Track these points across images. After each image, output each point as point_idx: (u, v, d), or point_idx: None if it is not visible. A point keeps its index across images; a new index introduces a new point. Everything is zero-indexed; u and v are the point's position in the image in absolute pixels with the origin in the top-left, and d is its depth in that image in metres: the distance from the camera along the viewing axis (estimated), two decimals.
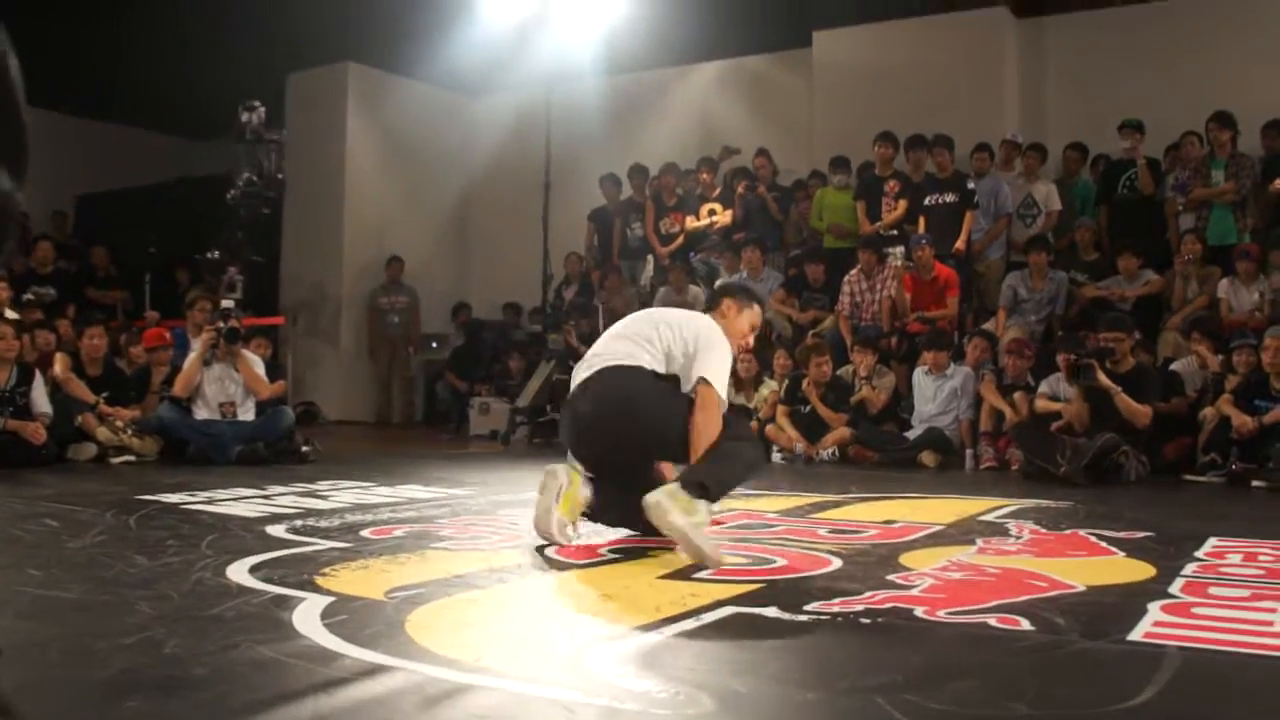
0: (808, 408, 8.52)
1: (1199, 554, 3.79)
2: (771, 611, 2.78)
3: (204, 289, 8.55)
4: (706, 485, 3.53)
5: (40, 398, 7.18)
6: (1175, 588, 3.16)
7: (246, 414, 7.69)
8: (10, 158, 0.52)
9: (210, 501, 5.05)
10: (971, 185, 9.63)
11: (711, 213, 10.84)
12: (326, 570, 3.27)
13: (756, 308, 4.38)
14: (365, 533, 4.12)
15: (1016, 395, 7.90)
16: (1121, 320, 7.50)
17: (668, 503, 3.42)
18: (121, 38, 11.87)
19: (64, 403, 7.42)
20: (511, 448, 9.81)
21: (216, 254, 8.34)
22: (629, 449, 3.91)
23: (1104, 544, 4.03)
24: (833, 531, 4.33)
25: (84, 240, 13.00)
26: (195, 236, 10.00)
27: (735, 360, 4.58)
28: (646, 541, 3.85)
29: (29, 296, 10.19)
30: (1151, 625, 2.67)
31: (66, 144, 13.69)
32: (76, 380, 7.74)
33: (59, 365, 7.75)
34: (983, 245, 9.83)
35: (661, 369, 3.94)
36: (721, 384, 3.87)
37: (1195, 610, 2.86)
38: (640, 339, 4.01)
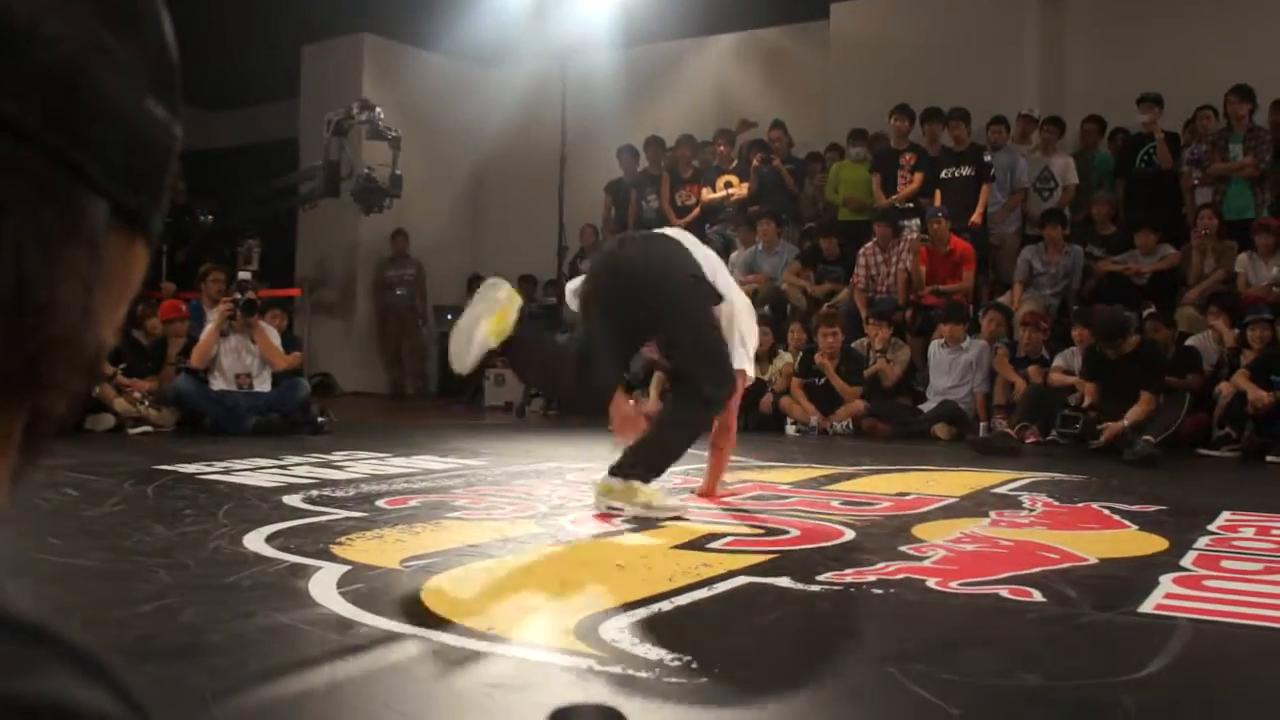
0: (822, 380, 8.52)
1: (1211, 527, 3.79)
2: (784, 582, 2.80)
3: (207, 261, 8.54)
4: (636, 466, 3.91)
5: None
6: (1187, 560, 3.16)
7: (263, 385, 7.72)
8: (159, 86, 0.50)
9: (227, 471, 5.08)
10: (987, 158, 9.57)
11: (728, 185, 10.79)
12: (342, 539, 3.30)
13: None
14: (380, 503, 4.15)
15: (1031, 369, 7.88)
16: (1111, 324, 7.14)
17: (612, 498, 3.87)
18: None
19: None
20: (526, 419, 9.84)
21: (210, 217, 8.32)
22: (645, 304, 3.94)
23: (1117, 517, 4.04)
24: (846, 503, 4.35)
25: None
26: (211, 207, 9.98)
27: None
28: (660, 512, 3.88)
29: None
30: (1163, 597, 2.67)
31: None
32: None
33: None
34: (999, 218, 9.79)
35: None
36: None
37: (1206, 583, 2.87)
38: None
